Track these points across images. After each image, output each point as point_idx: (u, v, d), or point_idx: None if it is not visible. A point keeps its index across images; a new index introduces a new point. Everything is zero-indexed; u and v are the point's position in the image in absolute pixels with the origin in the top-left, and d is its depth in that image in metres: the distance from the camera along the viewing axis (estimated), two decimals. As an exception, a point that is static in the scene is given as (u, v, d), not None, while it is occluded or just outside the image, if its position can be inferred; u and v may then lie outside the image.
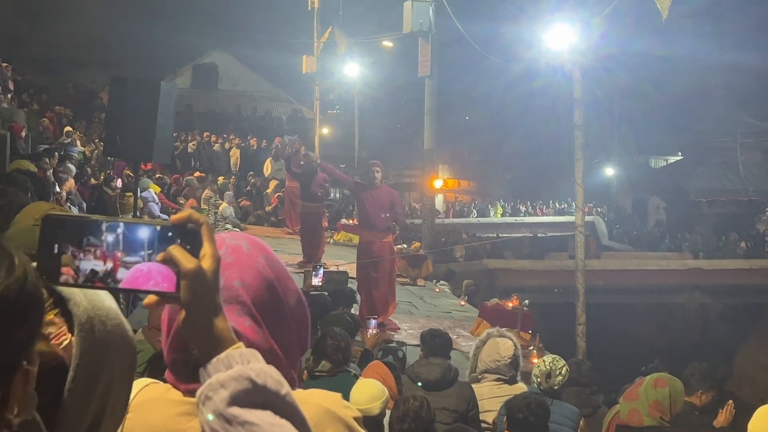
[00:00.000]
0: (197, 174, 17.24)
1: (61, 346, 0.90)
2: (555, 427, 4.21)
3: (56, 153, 10.29)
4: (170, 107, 6.91)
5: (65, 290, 0.92)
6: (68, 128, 14.81)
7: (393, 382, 4.47)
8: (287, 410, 0.93)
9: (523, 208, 34.33)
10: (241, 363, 0.93)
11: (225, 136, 22.24)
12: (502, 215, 32.30)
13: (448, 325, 9.72)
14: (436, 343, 5.18)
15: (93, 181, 12.26)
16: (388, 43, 22.52)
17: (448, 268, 15.02)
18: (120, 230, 0.91)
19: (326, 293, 7.34)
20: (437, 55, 15.22)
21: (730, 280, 18.94)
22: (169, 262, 0.91)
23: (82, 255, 0.89)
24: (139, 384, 1.17)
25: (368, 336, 7.61)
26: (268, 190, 18.02)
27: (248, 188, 18.49)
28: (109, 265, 0.90)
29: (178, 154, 18.74)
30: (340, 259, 12.40)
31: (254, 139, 21.56)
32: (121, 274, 0.90)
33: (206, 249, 0.93)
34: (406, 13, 14.85)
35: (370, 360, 5.36)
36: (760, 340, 18.61)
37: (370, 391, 3.88)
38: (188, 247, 0.92)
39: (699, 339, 18.82)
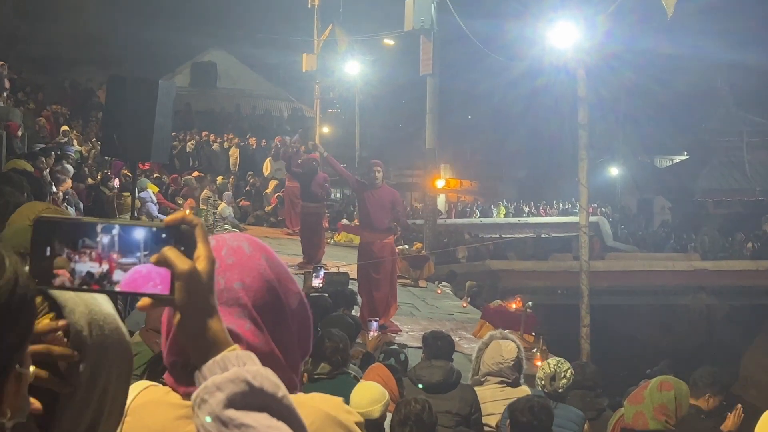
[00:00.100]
0: (196, 174, 17.14)
1: (58, 350, 0.90)
2: (559, 430, 4.18)
3: (53, 152, 10.29)
4: (168, 106, 6.87)
5: (61, 296, 0.92)
6: (65, 127, 14.71)
7: (394, 385, 4.45)
8: (284, 413, 0.93)
9: (526, 209, 34.25)
10: (238, 365, 0.93)
11: (224, 135, 22.10)
12: (505, 215, 32.26)
13: (451, 327, 9.65)
14: (438, 345, 5.17)
15: (90, 180, 12.18)
16: (389, 41, 22.47)
17: (450, 269, 14.96)
18: (115, 232, 0.91)
19: (327, 294, 7.30)
20: (439, 53, 15.16)
21: (737, 282, 18.86)
22: (163, 263, 0.91)
23: (77, 257, 0.90)
24: (138, 387, 1.17)
25: (370, 338, 7.55)
26: (268, 190, 17.96)
27: (247, 188, 18.44)
28: (105, 267, 0.90)
29: (176, 154, 18.69)
30: (341, 260, 12.36)
31: (253, 138, 21.44)
32: (118, 275, 0.91)
33: (200, 250, 0.94)
34: (408, 10, 14.80)
35: (372, 362, 5.34)
36: (766, 342, 18.52)
37: (371, 393, 3.86)
38: (182, 248, 0.92)
39: (704, 341, 18.72)
